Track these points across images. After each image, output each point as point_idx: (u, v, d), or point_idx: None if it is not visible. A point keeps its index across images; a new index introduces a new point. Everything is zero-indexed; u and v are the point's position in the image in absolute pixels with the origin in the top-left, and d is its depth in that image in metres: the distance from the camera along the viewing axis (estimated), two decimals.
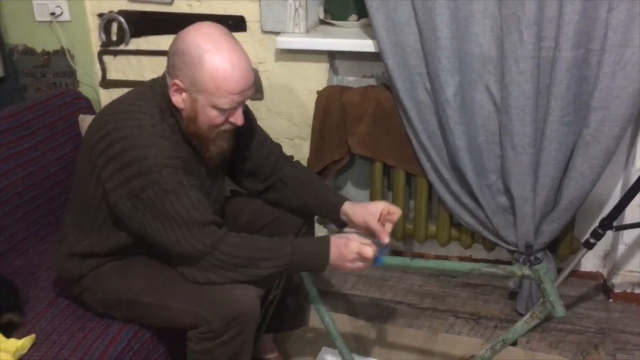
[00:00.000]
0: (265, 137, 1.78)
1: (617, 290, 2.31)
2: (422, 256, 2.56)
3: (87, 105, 2.32)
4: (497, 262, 2.42)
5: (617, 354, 2.06)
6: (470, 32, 1.98)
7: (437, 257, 2.54)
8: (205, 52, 1.42)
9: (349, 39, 2.19)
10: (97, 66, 2.50)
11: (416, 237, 2.38)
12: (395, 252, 2.59)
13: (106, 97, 2.53)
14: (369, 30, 2.22)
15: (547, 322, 2.18)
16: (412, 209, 2.40)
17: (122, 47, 2.45)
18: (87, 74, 2.50)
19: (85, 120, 2.25)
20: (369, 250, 1.47)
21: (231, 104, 1.46)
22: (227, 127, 1.52)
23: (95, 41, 2.46)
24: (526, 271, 1.45)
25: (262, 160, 1.74)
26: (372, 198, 2.34)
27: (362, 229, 1.68)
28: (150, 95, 1.52)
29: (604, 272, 2.41)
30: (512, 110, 1.98)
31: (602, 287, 2.39)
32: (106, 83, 2.52)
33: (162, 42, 2.40)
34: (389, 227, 1.66)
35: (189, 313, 1.48)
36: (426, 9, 1.94)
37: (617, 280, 2.30)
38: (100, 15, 2.40)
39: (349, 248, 1.48)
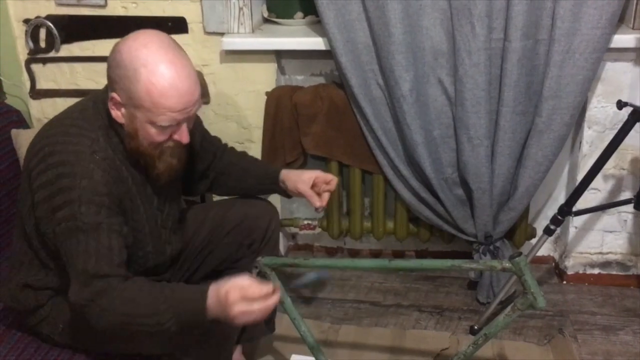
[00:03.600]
0: (206, 134, 1.75)
1: (569, 272, 2.37)
2: (380, 252, 2.55)
3: (18, 119, 2.16)
4: (454, 253, 2.44)
5: (577, 334, 2.12)
6: (421, 26, 1.97)
7: (394, 253, 2.54)
8: (142, 65, 1.29)
9: (297, 38, 2.13)
10: (25, 76, 2.32)
11: (374, 234, 2.35)
12: (353, 251, 2.57)
13: (37, 108, 2.36)
14: (316, 28, 2.18)
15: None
16: (368, 206, 2.37)
17: (52, 54, 2.28)
18: (15, 84, 2.32)
19: (19, 135, 2.09)
20: (255, 289, 1.25)
21: (171, 122, 1.35)
22: (171, 144, 1.40)
23: (21, 49, 2.28)
24: (507, 264, 1.45)
25: (210, 158, 1.74)
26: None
27: (296, 195, 1.74)
28: (92, 114, 1.39)
29: (556, 256, 2.47)
30: (467, 103, 1.98)
31: (555, 270, 2.45)
32: (36, 93, 2.35)
33: (97, 47, 2.26)
34: (326, 196, 1.70)
35: None
36: (377, 5, 1.91)
37: (569, 262, 2.36)
38: (26, 21, 2.23)
39: (229, 290, 1.25)
